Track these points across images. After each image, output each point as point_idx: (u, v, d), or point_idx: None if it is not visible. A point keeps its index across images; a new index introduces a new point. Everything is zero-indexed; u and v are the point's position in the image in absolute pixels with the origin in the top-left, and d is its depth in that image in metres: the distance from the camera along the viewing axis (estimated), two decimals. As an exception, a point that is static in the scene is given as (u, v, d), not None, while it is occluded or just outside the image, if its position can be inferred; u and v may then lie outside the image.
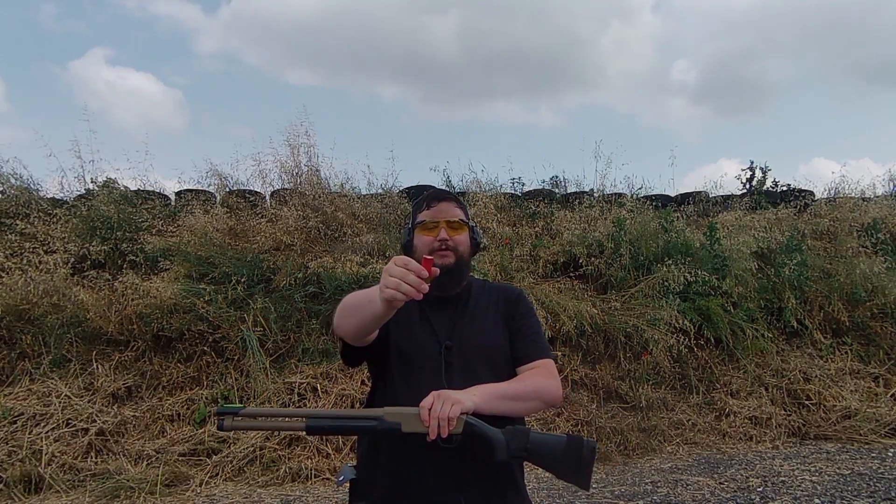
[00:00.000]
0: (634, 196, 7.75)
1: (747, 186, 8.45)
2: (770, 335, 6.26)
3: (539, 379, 1.51)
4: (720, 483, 4.47)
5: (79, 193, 6.75)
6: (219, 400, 5.06)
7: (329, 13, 29.49)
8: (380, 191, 7.33)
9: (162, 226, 6.32)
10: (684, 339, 5.76)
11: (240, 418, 1.37)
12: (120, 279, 5.58)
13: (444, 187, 7.51)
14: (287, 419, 1.46)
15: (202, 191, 7.05)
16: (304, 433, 1.41)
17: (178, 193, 7.05)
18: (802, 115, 26.45)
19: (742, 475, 4.61)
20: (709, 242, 6.55)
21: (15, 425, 4.66)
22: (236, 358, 5.30)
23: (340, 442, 4.84)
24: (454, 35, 28.72)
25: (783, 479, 4.54)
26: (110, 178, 6.83)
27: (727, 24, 29.42)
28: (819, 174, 20.73)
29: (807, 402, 5.82)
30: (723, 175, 20.64)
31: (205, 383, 5.22)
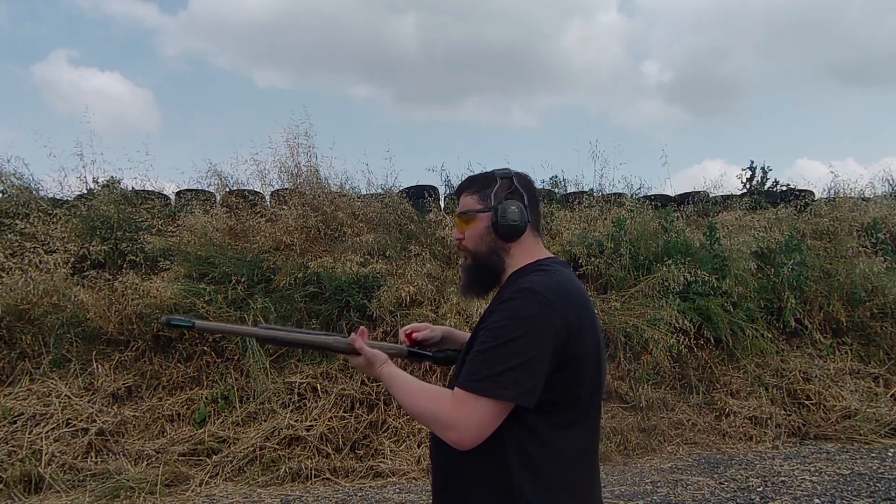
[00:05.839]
0: (634, 196, 7.75)
1: (747, 186, 8.45)
2: (770, 335, 6.26)
3: (445, 408, 1.27)
4: (720, 483, 4.47)
5: (79, 193, 6.75)
6: (218, 400, 5.07)
7: (287, 14, 29.69)
8: (379, 190, 7.33)
9: (162, 226, 6.31)
10: (684, 339, 5.76)
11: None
12: (120, 279, 5.58)
13: (443, 186, 7.49)
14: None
15: (202, 191, 7.05)
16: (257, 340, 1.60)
17: (177, 193, 7.05)
18: (780, 116, 26.70)
19: (742, 475, 4.62)
20: (709, 242, 6.55)
21: (15, 425, 4.66)
22: (236, 358, 5.30)
23: (340, 442, 4.85)
24: (416, 34, 28.96)
25: (783, 479, 4.54)
26: (114, 178, 6.83)
27: (693, 24, 29.65)
28: (806, 175, 20.83)
29: (807, 402, 5.82)
30: (721, 175, 20.70)
31: (205, 383, 5.22)
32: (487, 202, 1.42)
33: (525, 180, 1.46)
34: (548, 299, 1.26)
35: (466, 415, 1.24)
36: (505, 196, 1.41)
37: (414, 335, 1.67)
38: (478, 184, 1.45)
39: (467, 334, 1.65)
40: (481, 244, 1.43)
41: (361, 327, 1.50)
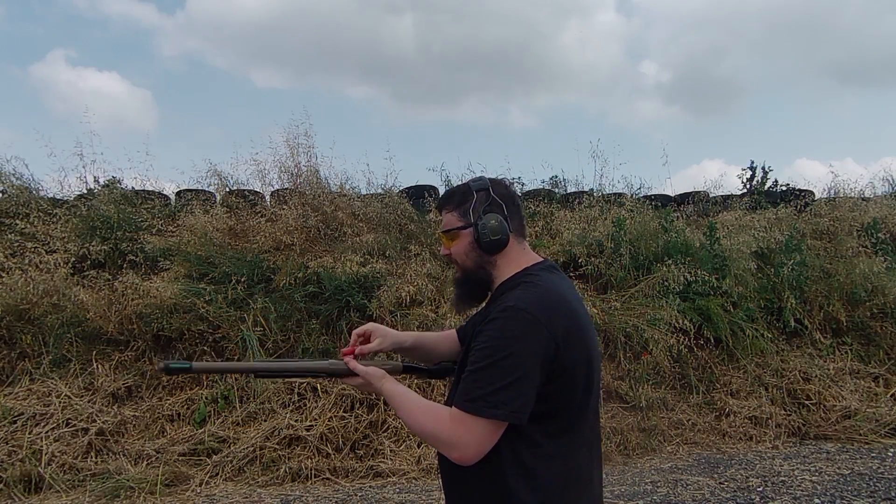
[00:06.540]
0: (634, 196, 7.75)
1: (747, 186, 8.45)
2: (770, 335, 6.26)
3: (445, 428, 1.31)
4: (720, 483, 4.47)
5: (79, 193, 6.75)
6: (218, 400, 5.07)
7: (284, 14, 29.74)
8: (379, 190, 7.33)
9: (162, 226, 6.31)
10: (684, 339, 5.76)
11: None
12: (120, 279, 5.58)
13: (443, 186, 7.49)
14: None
15: (202, 190, 7.05)
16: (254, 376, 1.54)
17: (177, 193, 7.05)
18: (780, 116, 26.71)
19: (742, 475, 4.62)
20: (708, 242, 6.55)
21: (15, 425, 4.66)
22: (236, 358, 5.30)
23: (340, 442, 4.85)
24: (414, 34, 29.01)
25: (783, 479, 4.54)
26: (115, 178, 6.84)
27: (691, 23, 29.68)
28: (806, 175, 20.84)
29: (807, 402, 5.82)
30: (721, 175, 20.71)
31: (205, 383, 5.22)
32: (467, 218, 1.44)
33: (502, 188, 1.47)
34: (533, 316, 1.28)
35: (464, 434, 1.28)
36: (483, 210, 1.43)
37: (357, 350, 1.56)
38: (456, 199, 1.48)
39: (437, 334, 1.73)
40: (467, 260, 1.47)
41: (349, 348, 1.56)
